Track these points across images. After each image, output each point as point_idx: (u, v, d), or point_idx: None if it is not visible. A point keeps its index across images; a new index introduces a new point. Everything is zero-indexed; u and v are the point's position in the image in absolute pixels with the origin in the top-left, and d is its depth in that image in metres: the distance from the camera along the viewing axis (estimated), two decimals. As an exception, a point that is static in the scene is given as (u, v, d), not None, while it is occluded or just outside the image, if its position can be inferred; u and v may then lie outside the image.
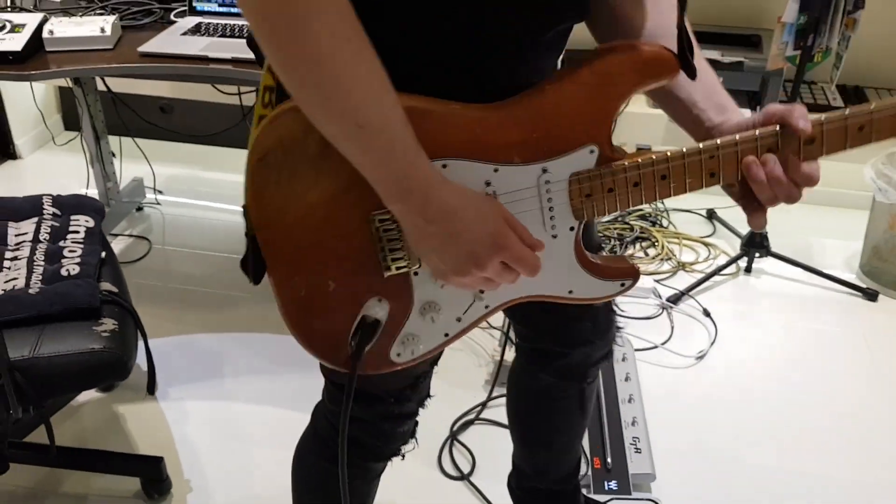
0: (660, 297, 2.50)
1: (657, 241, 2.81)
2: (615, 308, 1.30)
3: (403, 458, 1.23)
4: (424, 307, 0.96)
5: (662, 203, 3.01)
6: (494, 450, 1.91)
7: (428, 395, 1.20)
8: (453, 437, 1.95)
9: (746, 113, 0.96)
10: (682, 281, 2.60)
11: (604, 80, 0.88)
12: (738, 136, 0.90)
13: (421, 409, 1.21)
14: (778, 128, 0.89)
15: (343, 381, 1.05)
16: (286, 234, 0.90)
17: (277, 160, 0.86)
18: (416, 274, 0.94)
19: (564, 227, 0.95)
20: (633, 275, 0.99)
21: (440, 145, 0.85)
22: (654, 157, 0.91)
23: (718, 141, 0.90)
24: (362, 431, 1.13)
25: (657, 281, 2.60)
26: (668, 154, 0.91)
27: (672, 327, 2.38)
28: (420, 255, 0.88)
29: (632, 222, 2.89)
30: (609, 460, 1.82)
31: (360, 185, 0.83)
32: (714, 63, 2.64)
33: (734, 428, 2.02)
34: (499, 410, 2.04)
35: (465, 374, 2.16)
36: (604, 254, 1.01)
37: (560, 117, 0.89)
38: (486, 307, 0.99)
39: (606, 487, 1.76)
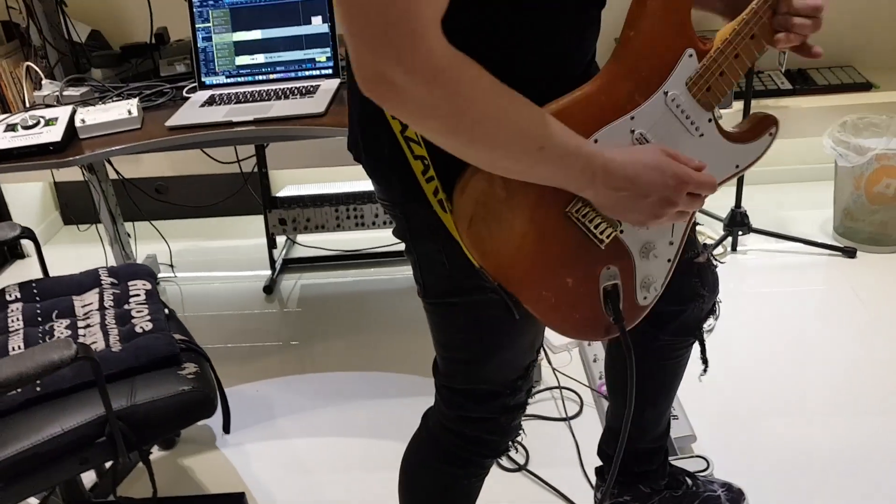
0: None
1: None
2: (716, 263, 1.42)
3: (517, 451, 1.33)
4: (642, 251, 1.10)
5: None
6: (543, 441, 2.06)
7: (534, 385, 1.31)
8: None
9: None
10: (677, 268, 2.79)
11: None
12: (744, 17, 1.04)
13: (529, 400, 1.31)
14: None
15: (458, 385, 1.19)
16: (515, 265, 1.02)
17: (481, 217, 0.99)
18: (622, 232, 1.06)
19: (704, 122, 1.06)
20: (774, 122, 1.10)
21: (584, 128, 0.98)
22: (736, 26, 1.03)
23: (754, 4, 1.02)
24: (483, 430, 1.23)
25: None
26: (744, 18, 1.03)
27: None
28: (621, 219, 1.02)
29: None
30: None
31: (546, 196, 0.98)
32: None
33: (757, 393, 2.19)
34: (537, 406, 2.19)
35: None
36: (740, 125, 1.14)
37: (650, 47, 1.00)
38: (685, 217, 1.10)
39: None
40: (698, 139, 1.08)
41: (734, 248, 2.86)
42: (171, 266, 3.13)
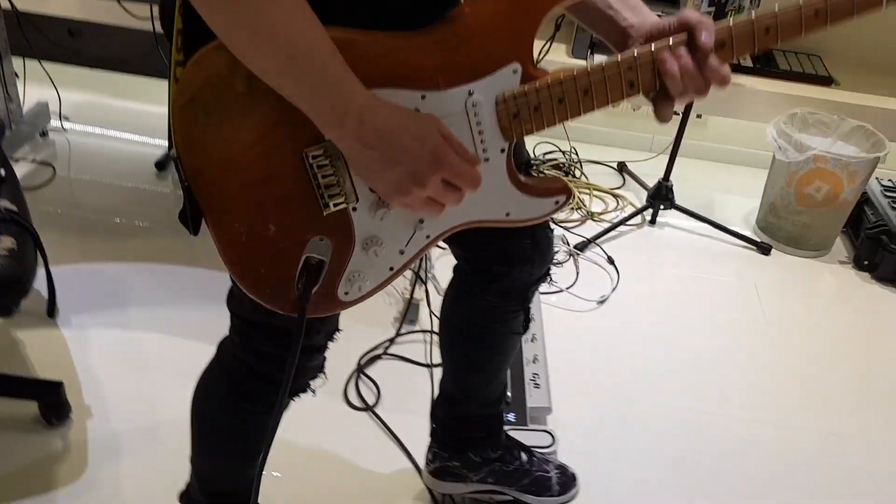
0: (568, 244, 2.57)
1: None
2: (552, 228, 1.31)
3: (314, 394, 1.23)
4: (366, 242, 0.97)
5: (576, 154, 3.08)
6: (400, 384, 1.96)
7: (337, 329, 1.19)
8: (360, 370, 1.99)
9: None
10: (590, 230, 2.68)
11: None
12: (653, 46, 0.92)
13: (330, 343, 1.20)
14: (686, 36, 0.92)
15: (248, 315, 1.06)
16: (220, 178, 0.89)
17: (204, 101, 0.85)
18: (354, 210, 0.94)
19: (496, 150, 0.96)
20: (566, 191, 1.01)
21: (366, 76, 0.85)
22: (575, 72, 0.92)
23: (635, 52, 0.92)
24: (271, 366, 1.12)
25: (566, 229, 2.67)
26: (589, 68, 0.93)
27: (577, 273, 2.46)
28: (364, 180, 0.89)
29: (546, 171, 2.95)
30: (509, 394, 1.88)
31: (291, 120, 0.84)
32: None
33: (631, 370, 2.11)
34: (406, 347, 2.08)
35: (375, 311, 2.19)
36: (534, 175, 1.03)
37: (480, 37, 0.89)
38: (428, 237, 0.99)
39: (504, 419, 1.82)
40: (482, 163, 0.96)
41: (653, 221, 2.75)
42: (62, 116, 2.89)
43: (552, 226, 1.32)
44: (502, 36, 0.90)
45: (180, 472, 1.36)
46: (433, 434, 1.57)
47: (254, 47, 0.78)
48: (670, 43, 0.92)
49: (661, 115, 0.97)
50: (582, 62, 2.97)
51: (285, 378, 0.97)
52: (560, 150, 3.08)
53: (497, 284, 1.27)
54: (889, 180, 2.72)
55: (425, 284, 2.20)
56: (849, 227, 2.70)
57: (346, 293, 1.00)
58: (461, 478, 1.53)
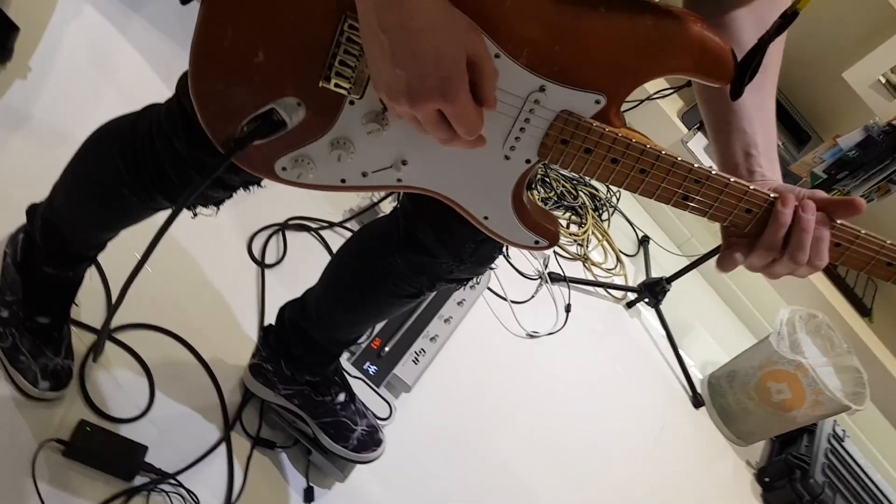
0: (546, 266, 2.45)
1: (586, 224, 2.74)
2: (506, 246, 1.20)
3: (195, 217, 1.12)
4: (338, 141, 0.86)
5: (617, 198, 2.94)
6: (306, 265, 1.85)
7: (258, 184, 1.09)
8: (283, 227, 1.87)
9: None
10: (574, 270, 2.56)
11: (658, 41, 0.78)
12: (752, 186, 0.83)
13: (243, 191, 1.10)
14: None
15: (187, 104, 0.93)
16: None
17: None
18: (351, 104, 0.83)
19: (521, 156, 0.86)
20: (552, 239, 0.94)
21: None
22: (647, 146, 0.82)
23: (713, 171, 0.83)
24: (175, 165, 1.01)
25: (556, 254, 2.55)
26: (662, 152, 0.82)
27: (533, 296, 2.34)
28: (368, 57, 0.76)
29: (581, 192, 2.81)
30: (387, 349, 1.78)
31: None
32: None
33: (502, 410, 2.01)
34: (338, 239, 1.97)
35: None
36: (539, 203, 0.92)
37: (590, 46, 0.79)
38: (399, 181, 0.90)
39: (365, 367, 1.72)
40: (500, 156, 0.86)
41: (630, 305, 2.63)
42: None
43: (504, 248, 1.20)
44: (610, 61, 0.79)
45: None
46: (268, 327, 1.46)
47: None
48: (771, 195, 0.83)
49: (725, 262, 0.86)
50: (683, 129, 2.82)
51: (182, 198, 0.90)
52: (607, 185, 2.94)
53: (415, 256, 1.15)
54: (843, 430, 2.62)
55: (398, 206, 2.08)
56: (778, 440, 2.60)
57: (284, 169, 0.89)
58: (270, 384, 1.43)
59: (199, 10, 0.81)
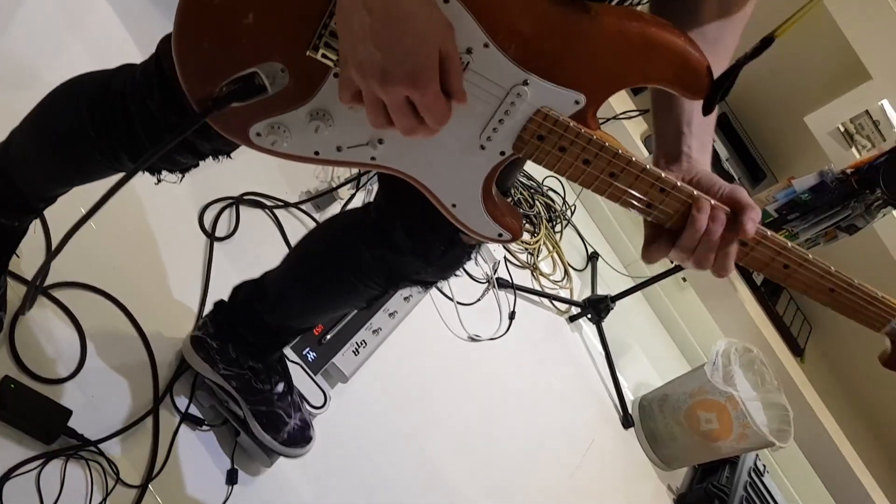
0: (496, 271, 2.45)
1: (538, 234, 2.75)
2: (476, 254, 1.20)
3: (158, 183, 1.09)
4: (318, 112, 0.85)
5: (572, 212, 2.96)
6: (256, 242, 1.81)
7: (228, 155, 1.06)
8: (237, 202, 1.83)
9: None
10: (522, 278, 2.57)
11: (644, 48, 0.81)
12: (695, 192, 0.85)
13: (211, 160, 1.07)
14: (728, 210, 0.85)
15: (167, 64, 0.91)
16: None
17: None
18: (335, 76, 0.83)
19: (496, 147, 0.86)
20: (515, 234, 0.95)
21: None
22: (619, 150, 0.84)
23: (679, 182, 0.84)
24: (143, 123, 0.99)
25: (506, 259, 2.55)
26: (632, 158, 0.84)
27: (478, 300, 2.34)
28: (341, 39, 0.76)
29: (538, 202, 2.82)
30: (328, 338, 1.75)
31: None
32: (714, 155, 2.57)
33: (437, 412, 2.01)
34: (291, 221, 1.94)
35: (300, 171, 2.03)
36: (507, 200, 0.94)
37: (576, 47, 0.80)
38: (373, 159, 0.89)
39: (304, 353, 1.69)
40: (475, 146, 0.87)
41: (572, 319, 2.65)
42: None
43: (476, 255, 1.20)
44: (594, 63, 0.81)
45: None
46: (220, 303, 1.43)
47: None
48: (712, 203, 0.85)
49: (650, 255, 0.90)
50: (645, 153, 2.85)
51: (147, 154, 0.87)
52: (563, 197, 2.95)
53: (382, 251, 1.13)
54: (763, 465, 2.68)
55: (355, 193, 2.06)
56: (701, 468, 2.65)
57: (259, 135, 0.88)
58: (211, 361, 1.39)
59: None
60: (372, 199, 1.17)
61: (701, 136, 0.91)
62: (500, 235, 0.94)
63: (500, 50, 0.80)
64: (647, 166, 0.85)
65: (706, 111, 0.85)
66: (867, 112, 2.40)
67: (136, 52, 0.98)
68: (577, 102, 0.83)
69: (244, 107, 0.85)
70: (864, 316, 0.90)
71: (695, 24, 0.93)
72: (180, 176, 1.11)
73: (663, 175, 0.84)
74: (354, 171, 2.06)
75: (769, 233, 0.87)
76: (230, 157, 1.07)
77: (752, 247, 0.87)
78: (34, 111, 1.13)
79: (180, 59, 0.84)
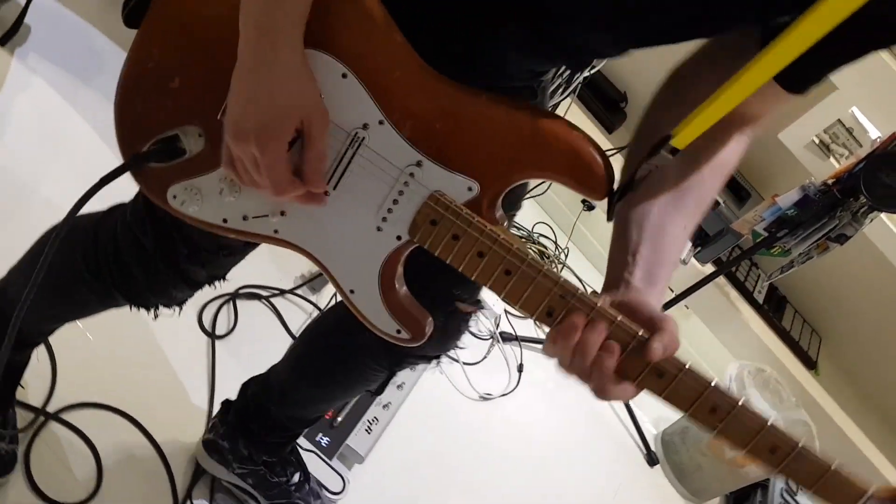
0: (498, 325, 2.46)
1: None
2: (475, 321, 1.20)
3: (155, 319, 1.12)
4: (227, 178, 0.87)
5: (566, 255, 2.98)
6: (257, 337, 1.83)
7: (222, 279, 1.10)
8: (234, 297, 1.86)
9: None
10: (526, 328, 2.57)
11: (536, 141, 0.80)
12: (600, 303, 0.76)
13: (208, 287, 1.10)
14: (641, 333, 0.75)
15: (157, 209, 0.94)
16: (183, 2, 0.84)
17: None
18: None
19: (392, 231, 0.85)
20: (416, 333, 0.89)
21: (359, 56, 0.79)
22: (514, 246, 0.79)
23: (579, 292, 0.77)
24: (138, 261, 1.02)
25: (507, 312, 2.56)
26: (528, 257, 0.79)
27: (485, 357, 2.35)
28: (229, 94, 0.80)
29: (533, 249, 2.83)
30: (339, 420, 1.76)
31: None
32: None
33: (457, 477, 2.00)
34: (289, 307, 1.96)
35: (289, 257, 2.05)
36: (413, 299, 0.90)
37: (471, 133, 0.81)
38: (275, 232, 0.89)
39: (317, 439, 1.70)
40: (371, 226, 0.86)
41: (582, 363, 2.65)
42: None
43: (473, 316, 1.20)
44: (487, 152, 0.81)
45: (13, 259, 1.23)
46: (228, 402, 1.44)
47: None
48: (618, 319, 0.75)
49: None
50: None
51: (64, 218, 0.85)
52: (555, 242, 2.98)
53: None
54: (796, 484, 2.65)
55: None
56: (733, 496, 2.62)
57: (175, 197, 0.90)
58: (225, 462, 1.41)
59: (137, 32, 0.87)
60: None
61: (649, 268, 0.82)
62: (399, 332, 0.89)
63: (395, 128, 0.81)
64: (546, 268, 0.78)
65: (609, 216, 0.82)
66: (839, 121, 2.43)
67: (118, 181, 1.02)
68: (469, 189, 0.82)
69: (165, 168, 0.88)
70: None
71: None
72: (178, 309, 1.13)
73: (561, 279, 0.78)
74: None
75: (688, 364, 0.75)
76: (225, 280, 1.10)
77: (669, 378, 0.75)
78: (28, 254, 1.16)
79: (118, 116, 0.89)
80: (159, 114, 0.87)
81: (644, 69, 2.48)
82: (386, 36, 0.79)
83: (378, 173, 0.83)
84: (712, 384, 0.74)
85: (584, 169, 0.79)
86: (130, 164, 0.86)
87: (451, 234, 0.81)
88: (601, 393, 0.75)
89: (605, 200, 0.82)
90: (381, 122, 0.81)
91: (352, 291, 0.89)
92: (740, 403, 0.75)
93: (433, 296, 1.00)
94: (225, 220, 0.90)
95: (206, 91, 0.84)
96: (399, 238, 0.85)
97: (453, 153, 0.81)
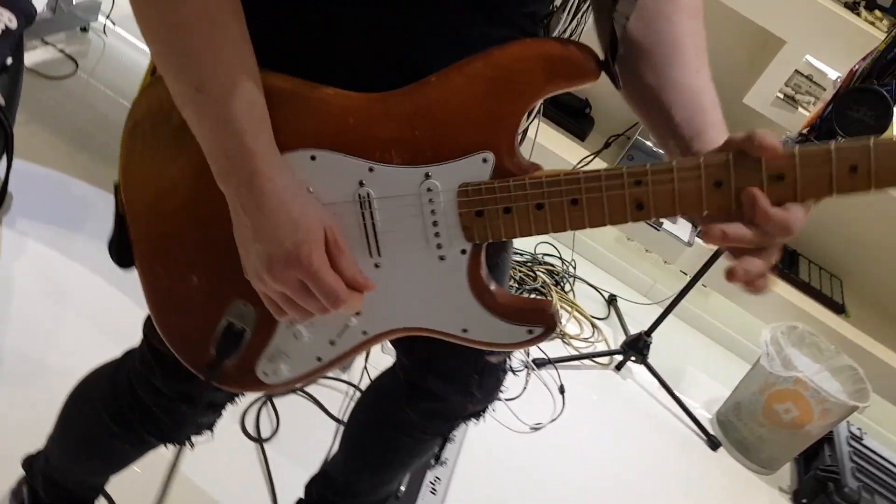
0: (528, 354, 2.48)
1: (552, 301, 2.78)
2: (509, 365, 1.20)
3: (192, 448, 1.12)
4: (290, 323, 0.85)
5: (574, 267, 3.00)
6: (302, 428, 1.85)
7: (242, 393, 1.11)
8: (269, 397, 1.88)
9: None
10: (556, 349, 2.59)
11: (503, 74, 0.75)
12: (675, 163, 0.73)
13: (230, 405, 1.12)
14: (730, 156, 0.73)
15: (156, 344, 0.96)
16: (151, 212, 0.84)
17: (145, 130, 0.81)
18: None
19: (454, 249, 0.81)
20: (547, 323, 0.83)
21: (310, 134, 0.76)
22: (563, 176, 0.76)
23: (648, 166, 0.74)
24: (157, 404, 1.04)
25: (534, 339, 2.57)
26: (583, 174, 0.76)
27: (524, 388, 2.36)
28: (237, 242, 0.78)
29: (538, 272, 2.87)
30: (402, 489, 1.77)
31: None
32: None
33: (532, 509, 2.00)
34: (325, 392, 1.97)
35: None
36: (514, 292, 0.91)
37: (447, 115, 0.76)
38: (365, 333, 0.86)
39: (386, 513, 1.71)
40: (435, 261, 0.82)
41: (618, 368, 2.66)
42: (110, 18, 2.80)
43: (508, 360, 1.20)
44: (473, 118, 0.76)
45: (45, 424, 1.24)
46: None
47: (169, 66, 0.71)
48: (701, 161, 0.73)
49: (709, 236, 0.73)
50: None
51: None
52: (560, 257, 3.00)
53: (425, 404, 1.15)
54: (858, 429, 2.64)
55: (391, 367, 2.11)
56: (802, 458, 2.61)
57: (266, 374, 0.89)
58: (312, 564, 1.41)
59: (136, 268, 0.88)
60: (395, 360, 1.21)
61: (697, 127, 0.80)
62: (531, 332, 0.84)
63: (386, 164, 0.78)
64: (602, 171, 0.75)
65: (615, 84, 0.79)
66: (797, 71, 2.47)
67: (125, 299, 1.06)
68: (485, 160, 0.77)
69: (240, 356, 0.87)
70: None
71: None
72: (210, 433, 1.15)
73: (625, 169, 0.75)
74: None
75: (797, 148, 0.71)
76: (244, 394, 1.12)
77: (792, 174, 0.72)
78: (59, 420, 1.19)
79: (171, 343, 0.90)
80: (200, 317, 0.87)
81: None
82: (317, 98, 0.77)
83: (403, 212, 0.80)
84: (832, 145, 0.70)
85: (563, 64, 0.75)
86: (211, 377, 0.86)
87: (502, 209, 0.78)
88: (787, 230, 0.71)
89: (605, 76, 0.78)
90: (371, 170, 0.78)
91: (465, 330, 0.85)
92: (872, 141, 0.69)
93: (461, 364, 1.02)
94: (319, 359, 0.88)
95: (223, 265, 0.83)
96: (464, 251, 0.81)
97: (446, 144, 0.77)
